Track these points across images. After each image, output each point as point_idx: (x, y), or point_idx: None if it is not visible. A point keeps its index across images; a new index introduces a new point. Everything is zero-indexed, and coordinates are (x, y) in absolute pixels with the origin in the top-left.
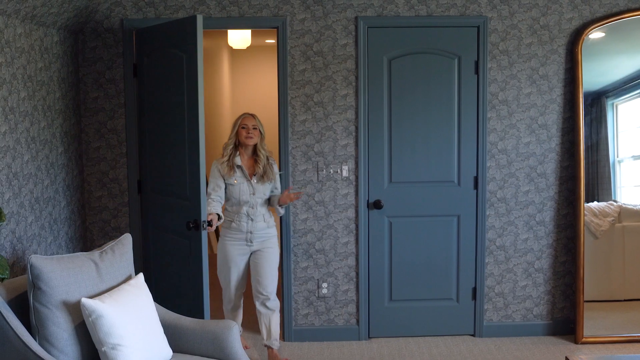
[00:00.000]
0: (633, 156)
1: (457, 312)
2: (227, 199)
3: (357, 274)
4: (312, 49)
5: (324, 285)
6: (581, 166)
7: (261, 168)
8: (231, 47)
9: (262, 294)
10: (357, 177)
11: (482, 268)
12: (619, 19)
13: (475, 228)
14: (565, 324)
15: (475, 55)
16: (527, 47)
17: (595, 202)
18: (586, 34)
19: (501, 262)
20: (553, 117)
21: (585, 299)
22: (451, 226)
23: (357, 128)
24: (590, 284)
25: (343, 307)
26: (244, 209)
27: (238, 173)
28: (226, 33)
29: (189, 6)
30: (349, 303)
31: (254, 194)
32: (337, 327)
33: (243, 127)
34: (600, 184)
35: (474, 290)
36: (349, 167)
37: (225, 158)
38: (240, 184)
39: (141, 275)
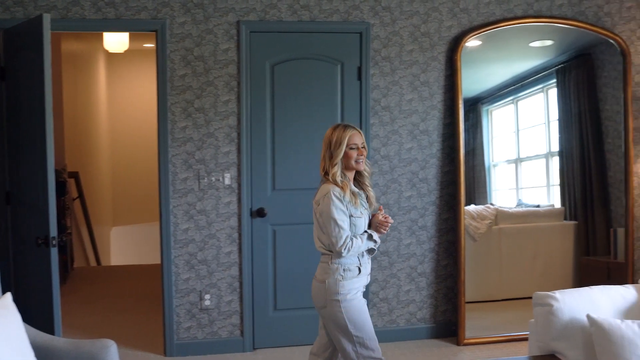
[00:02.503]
0: (507, 160)
1: None
2: None
3: (241, 284)
4: (192, 54)
5: (207, 296)
6: (461, 171)
7: (371, 192)
8: (108, 51)
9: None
10: (239, 185)
11: None
12: (495, 28)
13: None
14: (447, 326)
15: (358, 61)
16: (409, 54)
17: (473, 206)
18: (465, 42)
19: (385, 267)
20: (434, 123)
21: (465, 301)
22: None
23: (239, 135)
24: (470, 286)
25: (227, 318)
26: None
27: (359, 201)
28: (102, 36)
29: (62, 6)
30: (233, 314)
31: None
32: (221, 339)
33: (352, 148)
34: (477, 187)
35: None
36: (231, 175)
37: (347, 186)
38: (365, 216)
39: (9, 295)
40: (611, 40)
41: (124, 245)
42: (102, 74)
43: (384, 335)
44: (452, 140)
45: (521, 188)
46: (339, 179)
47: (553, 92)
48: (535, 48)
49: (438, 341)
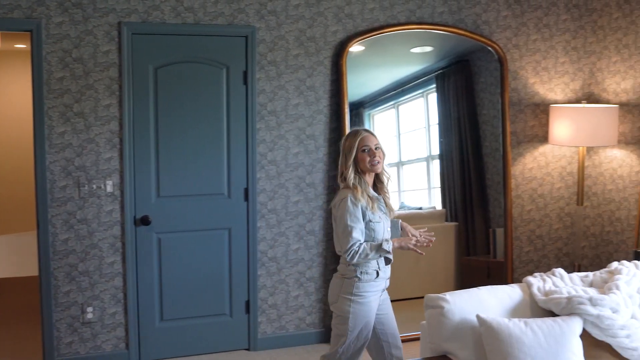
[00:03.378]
0: (389, 164)
1: (231, 327)
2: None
3: (125, 295)
4: (71, 56)
5: (89, 309)
6: None
7: (389, 195)
8: None
9: (398, 346)
10: (122, 193)
11: (254, 280)
12: (379, 33)
13: (247, 240)
14: None
15: (244, 65)
16: (295, 58)
17: None
18: (350, 47)
19: (273, 273)
20: (320, 128)
21: None
22: (222, 240)
23: (121, 140)
24: None
25: (111, 331)
26: None
27: (376, 206)
28: None
29: None
30: (117, 327)
31: (389, 229)
32: (105, 353)
33: (364, 150)
34: None
35: (247, 303)
36: (113, 182)
37: (362, 188)
38: (384, 221)
39: None
40: (489, 48)
41: None
42: None
43: (273, 342)
44: (337, 144)
45: (403, 191)
46: (352, 182)
47: (433, 97)
48: (416, 54)
49: (328, 345)
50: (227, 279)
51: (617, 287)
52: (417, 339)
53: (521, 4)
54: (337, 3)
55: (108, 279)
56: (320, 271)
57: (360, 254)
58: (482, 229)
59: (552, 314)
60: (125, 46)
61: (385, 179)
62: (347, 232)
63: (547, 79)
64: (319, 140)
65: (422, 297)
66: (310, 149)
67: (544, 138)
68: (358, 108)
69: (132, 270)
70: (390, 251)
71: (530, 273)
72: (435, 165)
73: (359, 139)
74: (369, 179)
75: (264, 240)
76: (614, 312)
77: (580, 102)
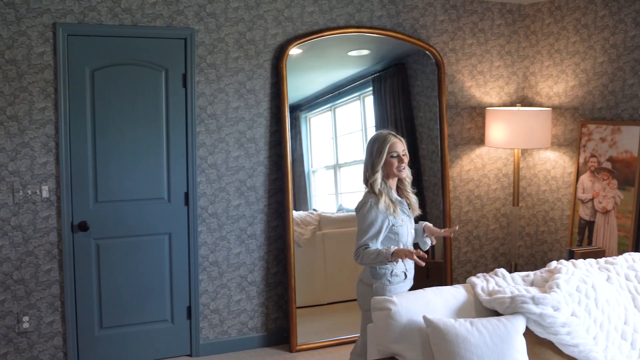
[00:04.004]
0: (326, 166)
1: (173, 333)
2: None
3: (63, 303)
4: (3, 57)
5: (25, 319)
6: (289, 178)
7: (412, 199)
8: None
9: None
10: (59, 198)
11: (196, 286)
12: (319, 37)
13: (187, 245)
14: (279, 334)
15: (183, 68)
16: (235, 61)
17: (298, 212)
18: (290, 49)
19: (215, 278)
20: (261, 131)
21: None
22: (163, 245)
23: (57, 144)
24: (298, 291)
25: (48, 341)
26: None
27: (399, 209)
28: None
29: None
30: (55, 336)
31: (413, 231)
32: None
33: (393, 156)
34: (298, 194)
35: (189, 309)
36: (49, 187)
37: (385, 193)
38: (407, 224)
39: None
40: (427, 52)
41: None
42: None
43: (215, 347)
44: (279, 147)
45: (341, 193)
46: (378, 187)
47: (370, 100)
48: (353, 57)
49: (271, 349)
50: (168, 284)
51: (558, 286)
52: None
53: (457, 9)
54: (277, 6)
55: (44, 287)
56: (262, 275)
57: (362, 257)
58: None
59: (496, 313)
60: (60, 48)
61: (407, 181)
62: (359, 235)
63: (482, 83)
64: (259, 143)
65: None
66: (251, 152)
67: (480, 140)
68: (295, 111)
69: (70, 277)
70: (389, 258)
71: (469, 273)
72: None
73: (389, 144)
74: (392, 182)
75: (205, 244)
76: (555, 310)
77: (515, 105)
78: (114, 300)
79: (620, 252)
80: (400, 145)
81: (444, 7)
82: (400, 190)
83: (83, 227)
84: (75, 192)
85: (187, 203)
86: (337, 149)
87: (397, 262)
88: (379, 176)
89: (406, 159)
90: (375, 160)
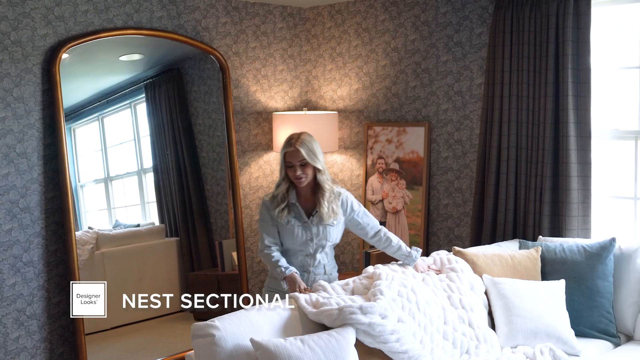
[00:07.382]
0: (95, 180)
1: None
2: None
3: None
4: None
5: None
6: (68, 196)
7: (325, 206)
8: None
9: None
10: None
11: None
12: (93, 39)
13: None
14: None
15: None
16: None
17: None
18: (63, 52)
19: None
20: (33, 144)
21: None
22: None
23: None
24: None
25: None
26: (299, 258)
27: (292, 213)
28: None
29: None
30: None
31: (311, 239)
32: None
33: (289, 166)
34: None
35: None
36: None
37: (275, 192)
38: (296, 228)
39: None
40: (211, 55)
41: None
42: None
43: None
44: (55, 162)
45: (114, 208)
46: (276, 191)
47: (142, 108)
48: (125, 62)
49: None
50: None
51: (381, 293)
52: None
53: (239, 11)
54: (45, 3)
55: None
56: (44, 306)
57: (264, 258)
58: (205, 242)
59: (323, 326)
60: None
61: (325, 190)
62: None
63: (267, 87)
64: (32, 158)
65: (149, 320)
66: (22, 169)
67: (268, 146)
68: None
69: None
70: (281, 278)
71: (264, 283)
72: (150, 178)
73: (283, 153)
74: (305, 189)
75: None
76: (383, 318)
77: (300, 110)
78: None
79: None
80: (296, 155)
81: (226, 9)
82: (317, 196)
83: None
84: None
85: None
86: (107, 161)
87: (286, 284)
88: (282, 182)
89: (308, 170)
90: (280, 164)
